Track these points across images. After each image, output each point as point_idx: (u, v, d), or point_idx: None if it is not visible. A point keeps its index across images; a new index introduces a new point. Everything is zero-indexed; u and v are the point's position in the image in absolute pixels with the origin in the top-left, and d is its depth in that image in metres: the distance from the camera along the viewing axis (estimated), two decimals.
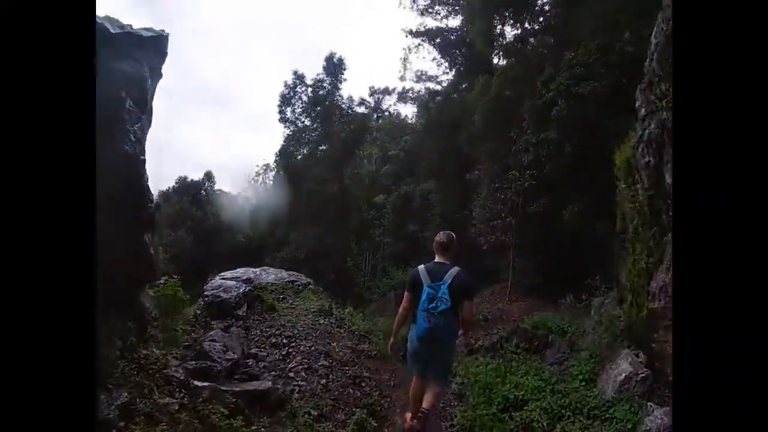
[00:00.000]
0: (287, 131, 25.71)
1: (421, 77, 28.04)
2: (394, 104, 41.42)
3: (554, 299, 13.16)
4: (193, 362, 5.80)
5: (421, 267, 4.28)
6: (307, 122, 25.77)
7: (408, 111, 41.84)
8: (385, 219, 27.61)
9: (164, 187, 30.31)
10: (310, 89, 25.79)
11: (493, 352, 8.97)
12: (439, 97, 25.35)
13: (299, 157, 25.41)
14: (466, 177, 18.78)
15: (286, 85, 25.83)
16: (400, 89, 39.81)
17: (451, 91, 24.39)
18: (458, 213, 20.19)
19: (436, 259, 4.38)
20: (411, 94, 37.52)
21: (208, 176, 31.83)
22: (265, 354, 7.06)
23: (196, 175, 32.11)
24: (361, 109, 38.93)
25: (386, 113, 42.05)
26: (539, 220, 14.84)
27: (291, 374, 6.61)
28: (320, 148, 25.67)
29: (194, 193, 30.21)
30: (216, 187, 31.63)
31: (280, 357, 7.07)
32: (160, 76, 6.11)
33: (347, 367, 7.23)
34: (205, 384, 5.22)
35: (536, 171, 14.75)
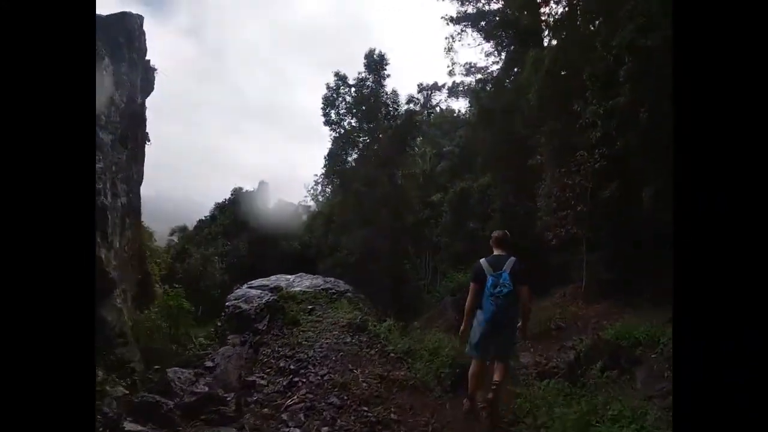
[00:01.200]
0: (334, 134, 24.79)
1: (470, 69, 25.90)
2: (445, 100, 39.33)
3: (635, 300, 11.25)
4: (144, 394, 4.56)
5: (483, 260, 4.77)
6: (354, 123, 24.70)
7: (460, 106, 39.60)
8: (443, 218, 25.78)
9: (220, 199, 30.55)
10: (353, 89, 24.72)
11: (570, 375, 6.83)
12: (489, 85, 23.16)
13: (348, 159, 24.34)
14: (527, 164, 16.58)
15: (328, 87, 25.01)
16: (450, 84, 37.55)
17: (502, 78, 22.30)
18: (520, 206, 18.10)
19: (495, 253, 4.84)
20: (461, 88, 35.46)
21: (264, 186, 31.76)
22: (265, 383, 5.55)
23: (251, 186, 32.11)
24: (410, 106, 38.00)
25: (437, 109, 40.07)
26: (615, 206, 12.51)
27: (284, 416, 4.72)
28: (369, 148, 24.42)
29: (250, 203, 30.14)
30: (273, 196, 31.56)
31: (281, 388, 5.41)
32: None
33: (367, 408, 5.00)
34: (140, 428, 3.92)
35: (606, 149, 12.50)
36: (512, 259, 4.72)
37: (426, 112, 39.30)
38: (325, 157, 24.93)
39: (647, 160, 11.56)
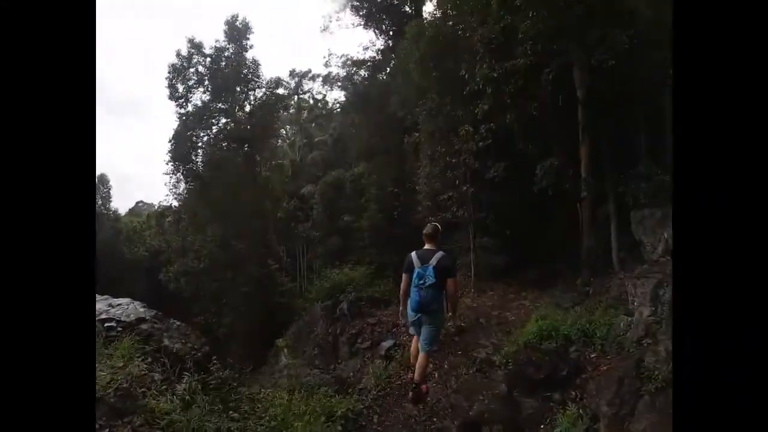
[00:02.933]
0: (181, 111, 20.36)
1: (346, 62, 23.87)
2: (320, 92, 36.82)
3: (535, 285, 10.60)
4: None
5: (413, 253, 5.11)
6: (206, 99, 20.57)
7: (336, 96, 37.26)
8: (314, 211, 23.17)
9: None
10: (208, 60, 20.62)
11: (502, 410, 4.84)
12: (366, 71, 21.64)
13: (199, 144, 20.19)
14: (404, 144, 14.72)
15: (178, 55, 20.55)
16: (325, 74, 35.24)
17: (380, 64, 20.45)
18: (397, 192, 16.36)
19: (425, 247, 5.16)
20: (338, 80, 33.40)
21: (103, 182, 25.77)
22: None
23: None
24: (280, 91, 34.87)
25: (308, 97, 37.30)
26: (506, 186, 11.10)
27: None
28: (225, 131, 20.62)
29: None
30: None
31: None
32: None
33: None
34: None
35: (494, 124, 10.98)
36: (440, 253, 5.01)
37: (296, 97, 36.35)
38: (169, 140, 20.29)
39: (546, 132, 10.23)
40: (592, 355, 6.07)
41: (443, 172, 12.33)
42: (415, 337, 5.43)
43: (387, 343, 9.45)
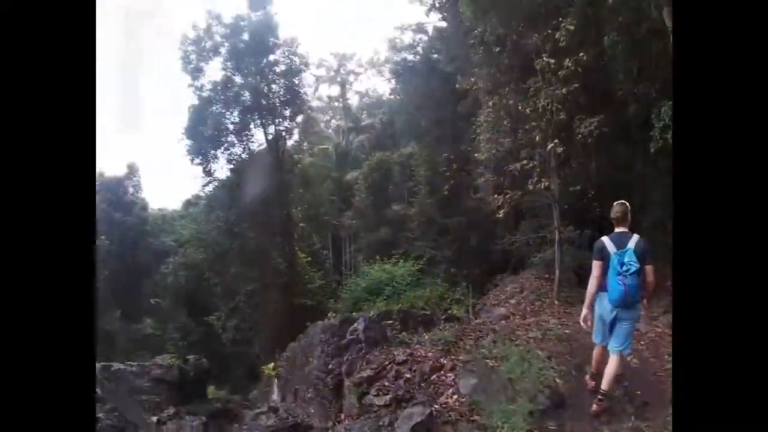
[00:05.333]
0: (200, 95, 17.82)
1: (395, 47, 20.75)
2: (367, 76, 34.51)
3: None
4: None
5: (605, 237, 4.69)
6: (233, 75, 17.92)
7: (384, 87, 34.65)
8: (356, 198, 20.27)
9: None
10: (229, 31, 17.97)
11: None
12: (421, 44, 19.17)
13: (211, 130, 17.52)
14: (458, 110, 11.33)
15: (194, 27, 18.06)
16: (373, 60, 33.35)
17: (436, 36, 18.02)
18: (453, 170, 13.91)
19: (617, 230, 4.69)
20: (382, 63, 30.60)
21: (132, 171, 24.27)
22: None
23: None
24: (322, 72, 32.42)
25: (351, 80, 34.72)
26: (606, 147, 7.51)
27: None
28: (252, 112, 17.98)
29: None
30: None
31: None
32: None
33: None
34: None
35: (584, 54, 7.78)
36: (635, 236, 4.59)
37: (339, 79, 33.77)
38: (184, 129, 17.52)
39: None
40: None
41: (512, 128, 8.58)
42: (598, 348, 4.92)
43: (416, 411, 5.16)
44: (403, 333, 7.31)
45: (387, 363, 6.08)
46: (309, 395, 7.47)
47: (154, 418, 10.96)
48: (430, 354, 6.27)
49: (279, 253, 16.96)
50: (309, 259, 18.17)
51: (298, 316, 13.08)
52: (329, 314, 10.16)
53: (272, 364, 9.85)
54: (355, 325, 7.33)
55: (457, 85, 11.74)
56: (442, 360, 6.03)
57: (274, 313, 15.00)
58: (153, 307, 21.75)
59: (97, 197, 22.40)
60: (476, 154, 10.35)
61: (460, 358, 6.12)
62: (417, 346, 6.72)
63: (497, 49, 9.19)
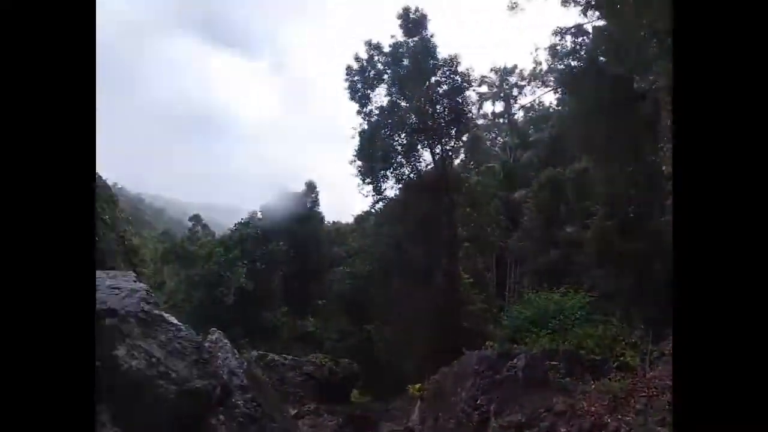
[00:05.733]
0: (369, 120, 19.17)
1: (556, 54, 19.38)
2: (531, 88, 33.36)
3: None
4: None
5: None
6: (394, 95, 18.88)
7: (550, 98, 32.64)
8: (525, 219, 19.21)
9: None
10: (389, 59, 19.02)
11: None
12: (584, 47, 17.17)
13: (380, 151, 18.52)
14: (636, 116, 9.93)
15: (357, 59, 19.54)
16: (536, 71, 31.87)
17: (598, 36, 15.75)
18: (637, 188, 11.43)
19: None
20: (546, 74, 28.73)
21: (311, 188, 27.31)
22: None
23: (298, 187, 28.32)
24: (483, 89, 31.93)
25: (516, 94, 33.39)
26: None
27: None
28: (419, 133, 18.60)
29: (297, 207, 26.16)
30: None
31: None
32: None
33: None
34: None
35: None
36: None
37: (502, 94, 32.87)
38: (353, 153, 18.92)
39: None
40: None
41: None
42: None
43: None
44: (567, 378, 6.49)
45: (543, 411, 5.37)
46: (450, 426, 7.06)
47: (294, 411, 11.56)
48: (593, 408, 5.44)
49: (442, 271, 16.97)
50: (471, 280, 17.90)
51: (454, 338, 12.75)
52: (487, 342, 9.59)
53: (419, 384, 9.73)
54: (515, 360, 6.80)
55: (634, 85, 10.23)
56: (606, 418, 5.18)
57: (430, 331, 15.00)
58: (318, 308, 23.86)
59: (279, 209, 26.27)
60: (664, 167, 8.74)
61: (628, 419, 5.11)
62: (580, 396, 5.89)
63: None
